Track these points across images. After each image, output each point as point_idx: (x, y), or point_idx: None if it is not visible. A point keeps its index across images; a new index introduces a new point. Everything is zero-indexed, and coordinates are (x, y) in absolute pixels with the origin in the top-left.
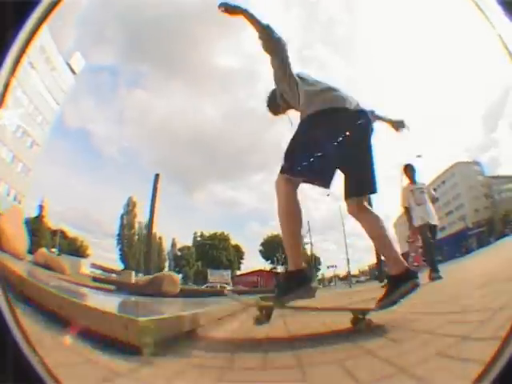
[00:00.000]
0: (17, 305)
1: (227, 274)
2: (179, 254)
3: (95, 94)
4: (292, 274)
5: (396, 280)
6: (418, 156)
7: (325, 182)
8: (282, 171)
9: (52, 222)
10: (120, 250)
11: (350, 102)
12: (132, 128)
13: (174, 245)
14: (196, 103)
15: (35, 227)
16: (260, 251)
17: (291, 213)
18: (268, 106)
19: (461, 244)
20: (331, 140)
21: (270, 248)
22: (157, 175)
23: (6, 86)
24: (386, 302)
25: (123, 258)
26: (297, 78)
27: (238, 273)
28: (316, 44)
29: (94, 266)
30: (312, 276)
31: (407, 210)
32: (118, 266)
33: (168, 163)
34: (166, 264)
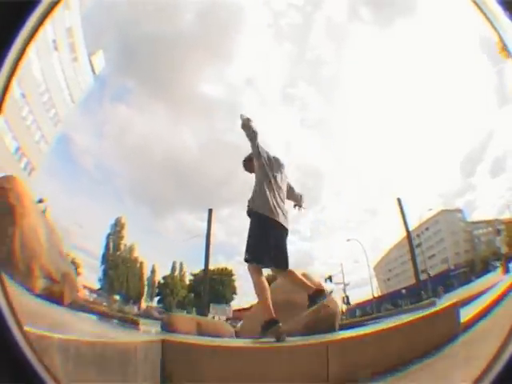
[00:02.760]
0: (17, 305)
1: (229, 309)
2: (162, 281)
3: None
4: (267, 322)
5: (311, 298)
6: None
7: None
8: (248, 261)
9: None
10: (104, 270)
11: (279, 215)
12: (110, 143)
13: (153, 271)
14: (175, 129)
15: None
16: None
17: (264, 286)
18: (244, 165)
19: (444, 283)
20: (272, 237)
21: None
22: (210, 210)
23: (5, 89)
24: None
25: (106, 278)
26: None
27: (236, 308)
28: (301, 83)
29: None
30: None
31: None
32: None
33: (141, 184)
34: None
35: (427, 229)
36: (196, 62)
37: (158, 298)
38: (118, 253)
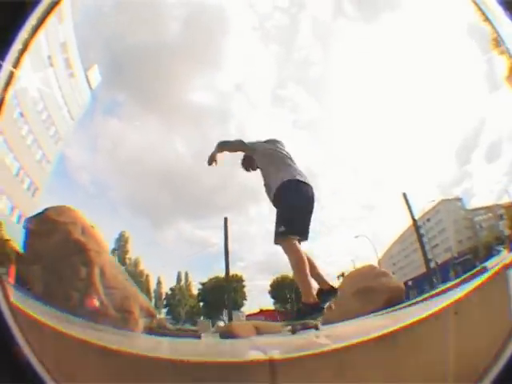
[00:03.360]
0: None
1: (242, 314)
2: (170, 292)
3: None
4: (306, 304)
5: (324, 294)
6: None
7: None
8: (286, 234)
9: None
10: None
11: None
12: (104, 158)
13: (159, 283)
14: (168, 141)
15: None
16: None
17: (306, 261)
18: (243, 165)
19: (449, 271)
20: (308, 205)
21: None
22: (225, 218)
23: (5, 89)
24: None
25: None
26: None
27: (247, 313)
28: (290, 83)
29: None
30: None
31: None
32: None
33: (137, 197)
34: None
35: (428, 220)
36: (184, 71)
37: (166, 309)
38: (124, 267)
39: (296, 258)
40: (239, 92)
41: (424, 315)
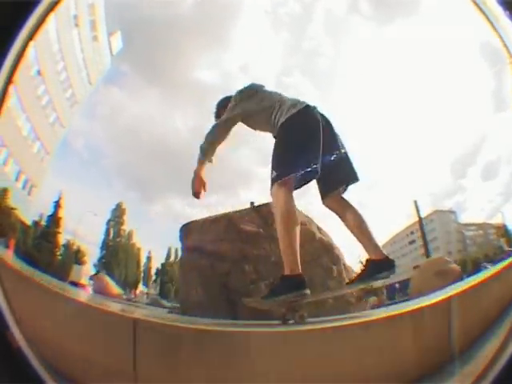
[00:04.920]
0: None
1: None
2: (160, 268)
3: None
4: (288, 278)
5: (375, 265)
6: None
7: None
8: (280, 176)
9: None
10: (103, 257)
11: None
12: (101, 125)
13: (149, 258)
14: (168, 114)
15: (49, 231)
16: None
17: (294, 215)
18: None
19: None
20: (313, 135)
21: None
22: (252, 203)
23: (5, 89)
24: (359, 281)
25: (105, 265)
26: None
27: None
28: (295, 72)
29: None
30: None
31: None
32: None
33: (130, 168)
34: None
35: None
36: (192, 47)
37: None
38: (118, 239)
39: (283, 210)
40: (243, 73)
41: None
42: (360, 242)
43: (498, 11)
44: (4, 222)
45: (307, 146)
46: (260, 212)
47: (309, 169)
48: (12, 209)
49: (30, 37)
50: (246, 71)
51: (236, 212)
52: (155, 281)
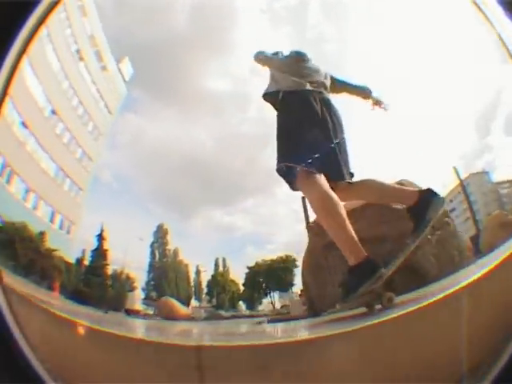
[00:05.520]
0: (17, 306)
1: (296, 295)
2: (211, 279)
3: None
4: (356, 267)
5: (418, 208)
6: None
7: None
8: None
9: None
10: (153, 279)
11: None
12: (124, 153)
13: (197, 272)
14: (189, 129)
15: (96, 264)
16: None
17: (334, 200)
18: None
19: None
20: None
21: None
22: (303, 198)
23: (5, 89)
24: (420, 229)
25: (156, 287)
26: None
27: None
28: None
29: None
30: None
31: None
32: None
33: (162, 189)
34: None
35: (459, 192)
36: (197, 60)
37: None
38: (165, 259)
39: (324, 198)
40: (254, 74)
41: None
42: (392, 202)
43: (498, 11)
44: (46, 265)
45: (307, 135)
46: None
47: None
48: (53, 250)
49: (30, 37)
50: (257, 72)
51: None
52: (207, 294)
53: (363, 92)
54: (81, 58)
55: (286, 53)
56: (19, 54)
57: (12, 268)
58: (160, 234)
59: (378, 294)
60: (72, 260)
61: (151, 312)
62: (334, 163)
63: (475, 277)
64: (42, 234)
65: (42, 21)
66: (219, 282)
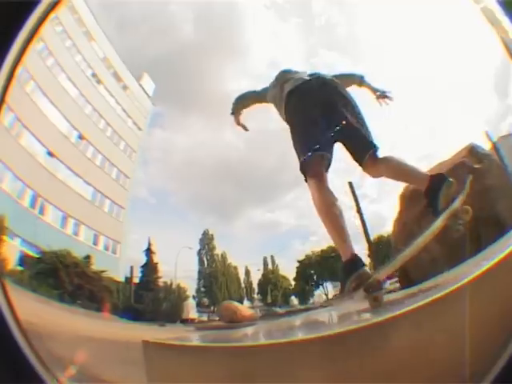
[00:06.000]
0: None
1: None
2: (262, 278)
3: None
4: (344, 264)
5: (429, 193)
6: None
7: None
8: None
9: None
10: (203, 286)
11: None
12: (157, 167)
13: (247, 272)
14: (217, 134)
15: (148, 279)
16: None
17: (329, 203)
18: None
19: None
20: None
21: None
22: (350, 183)
23: (5, 90)
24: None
25: (208, 293)
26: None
27: None
28: (320, 50)
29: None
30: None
31: None
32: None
33: (200, 197)
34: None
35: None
36: (213, 66)
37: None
38: (213, 265)
39: (316, 200)
40: (273, 69)
41: None
42: (407, 182)
43: (498, 11)
44: (95, 287)
45: (304, 134)
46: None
47: (311, 153)
48: (101, 272)
49: (30, 37)
50: (275, 67)
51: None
52: (259, 293)
53: (355, 79)
54: (99, 81)
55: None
56: (19, 53)
57: (57, 297)
58: (206, 241)
59: (368, 293)
60: (121, 279)
61: (205, 319)
62: (351, 143)
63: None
64: (87, 257)
65: (41, 21)
66: (271, 280)
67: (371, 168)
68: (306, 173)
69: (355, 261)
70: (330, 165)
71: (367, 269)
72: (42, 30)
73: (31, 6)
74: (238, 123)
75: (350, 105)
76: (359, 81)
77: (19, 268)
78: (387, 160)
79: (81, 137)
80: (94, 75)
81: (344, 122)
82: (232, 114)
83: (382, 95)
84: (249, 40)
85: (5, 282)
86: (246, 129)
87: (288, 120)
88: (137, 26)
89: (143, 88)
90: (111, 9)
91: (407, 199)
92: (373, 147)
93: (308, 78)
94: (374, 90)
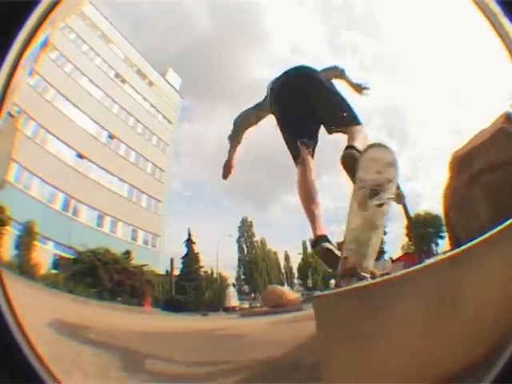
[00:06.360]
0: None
1: (388, 260)
2: (302, 263)
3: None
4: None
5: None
6: None
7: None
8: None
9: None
10: (243, 273)
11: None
12: (188, 160)
13: (286, 257)
14: None
15: (189, 269)
16: None
17: (303, 186)
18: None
19: None
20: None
21: None
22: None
23: (5, 89)
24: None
25: (248, 280)
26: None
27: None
28: (341, 30)
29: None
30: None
31: None
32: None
33: (234, 185)
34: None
35: None
36: (236, 55)
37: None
38: (253, 251)
39: (297, 185)
40: (296, 54)
41: None
42: None
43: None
44: (136, 282)
45: (285, 126)
46: None
47: (293, 142)
48: (142, 266)
49: (31, 37)
50: (299, 51)
51: None
52: (299, 277)
53: (336, 72)
54: (123, 81)
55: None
56: (19, 53)
57: (96, 295)
58: (245, 228)
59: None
60: (162, 271)
61: (247, 306)
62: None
63: None
64: (126, 253)
65: (41, 21)
66: (311, 264)
67: (351, 133)
68: (294, 159)
69: (317, 239)
70: (314, 148)
71: (328, 245)
72: (41, 30)
73: (31, 6)
74: (231, 159)
75: (323, 90)
76: (339, 74)
77: (53, 271)
78: (353, 127)
79: (111, 136)
80: (117, 75)
81: (319, 107)
82: (230, 138)
83: (359, 88)
84: (268, 26)
85: (5, 282)
86: (228, 173)
87: (273, 114)
88: (151, 25)
89: (169, 83)
90: (123, 11)
91: (456, 165)
92: (351, 123)
93: (284, 72)
94: (351, 84)
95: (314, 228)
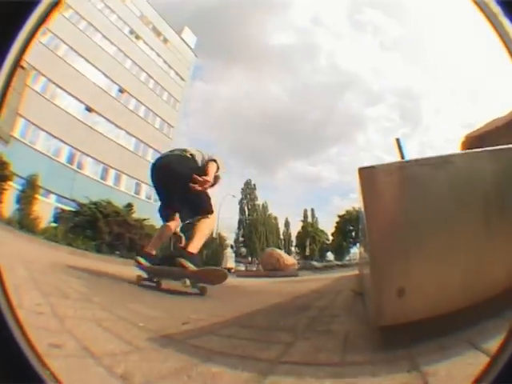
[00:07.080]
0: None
1: None
2: (301, 231)
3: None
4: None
5: None
6: None
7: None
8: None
9: None
10: (242, 236)
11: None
12: (198, 118)
13: (286, 224)
14: (260, 85)
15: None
16: None
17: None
18: None
19: None
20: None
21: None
22: (397, 139)
23: (5, 89)
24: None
25: (246, 242)
26: None
27: None
28: (364, 8)
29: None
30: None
31: None
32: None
33: (243, 148)
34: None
35: None
36: (254, 19)
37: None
38: (254, 214)
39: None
40: (317, 26)
41: None
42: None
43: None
44: (135, 235)
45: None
46: None
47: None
48: (142, 220)
49: (31, 37)
50: (318, 22)
51: None
52: (297, 245)
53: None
54: (137, 37)
55: None
56: (19, 53)
57: (95, 247)
58: (248, 191)
59: None
60: None
61: (243, 268)
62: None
63: None
64: (128, 206)
65: (41, 21)
66: (309, 233)
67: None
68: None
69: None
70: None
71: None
72: (41, 30)
73: (31, 6)
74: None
75: (181, 181)
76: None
77: (53, 225)
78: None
79: (121, 90)
80: (131, 32)
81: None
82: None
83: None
84: None
85: (5, 282)
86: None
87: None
88: None
89: (184, 41)
90: None
91: (467, 146)
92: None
93: (159, 158)
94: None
95: (152, 245)
